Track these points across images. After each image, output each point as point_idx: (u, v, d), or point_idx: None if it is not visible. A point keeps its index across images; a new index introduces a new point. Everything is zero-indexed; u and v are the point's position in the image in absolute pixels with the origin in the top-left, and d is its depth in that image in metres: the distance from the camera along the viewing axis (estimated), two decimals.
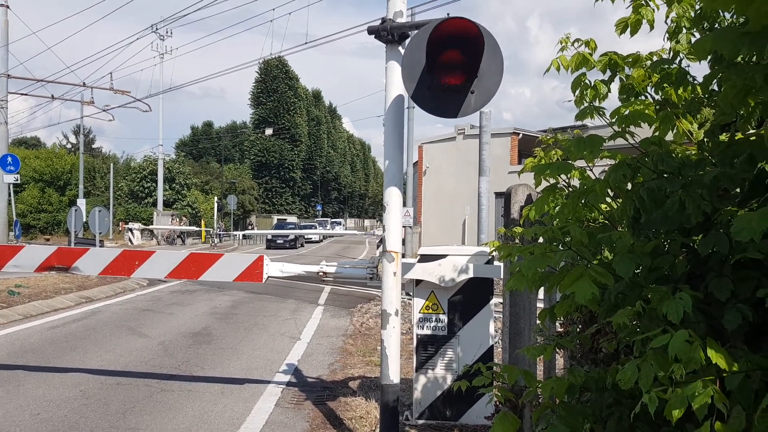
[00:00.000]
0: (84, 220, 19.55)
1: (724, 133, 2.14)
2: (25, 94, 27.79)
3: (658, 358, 1.59)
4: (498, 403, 2.76)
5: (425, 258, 4.73)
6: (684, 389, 1.49)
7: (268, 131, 65.28)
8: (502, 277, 4.27)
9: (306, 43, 33.17)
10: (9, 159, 22.16)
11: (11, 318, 9.62)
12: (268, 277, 5.10)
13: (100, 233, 17.39)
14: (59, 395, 5.59)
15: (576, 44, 2.78)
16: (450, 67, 3.71)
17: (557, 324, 2.99)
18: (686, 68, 2.26)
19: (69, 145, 67.12)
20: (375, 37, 4.23)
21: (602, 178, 2.20)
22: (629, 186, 2.03)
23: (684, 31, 2.43)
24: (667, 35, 2.48)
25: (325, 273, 5.11)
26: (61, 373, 6.36)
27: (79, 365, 6.74)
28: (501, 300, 4.44)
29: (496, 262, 4.60)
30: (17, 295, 11.46)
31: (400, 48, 4.17)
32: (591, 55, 2.69)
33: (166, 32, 39.39)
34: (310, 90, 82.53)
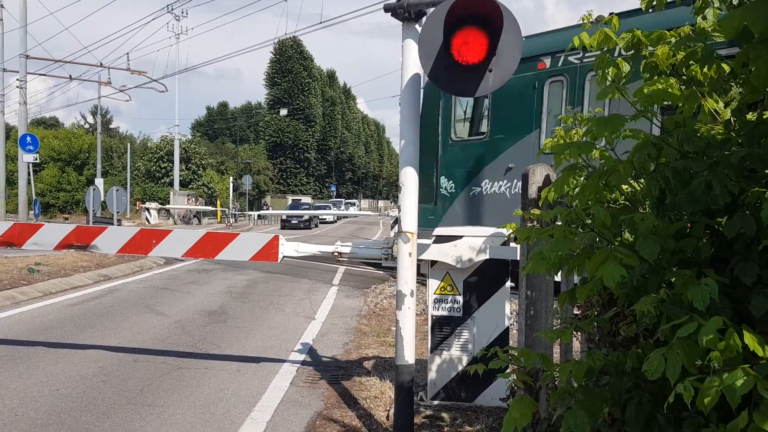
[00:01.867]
0: (102, 199, 19.75)
1: (752, 112, 2.07)
2: (44, 75, 28.07)
3: (685, 347, 1.55)
4: (514, 386, 2.75)
5: (441, 239, 4.70)
6: (723, 377, 1.44)
7: (283, 112, 65.23)
8: (519, 258, 4.24)
9: (321, 22, 33.01)
10: (28, 139, 22.40)
11: (31, 295, 9.77)
12: (284, 256, 5.11)
13: (117, 212, 17.56)
14: (78, 372, 5.67)
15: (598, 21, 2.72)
16: (468, 44, 3.64)
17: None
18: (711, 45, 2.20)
19: (87, 125, 67.64)
20: (391, 15, 4.16)
21: (624, 158, 2.15)
22: (653, 166, 1.98)
23: (711, 6, 2.35)
24: (693, 11, 2.40)
25: (340, 253, 5.10)
26: (79, 350, 6.45)
27: (98, 342, 6.83)
28: (512, 283, 4.42)
29: (512, 243, 4.56)
30: (37, 272, 11.63)
31: (416, 26, 4.11)
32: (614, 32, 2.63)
33: (182, 12, 39.47)
34: (324, 70, 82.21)
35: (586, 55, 9.19)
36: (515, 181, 9.78)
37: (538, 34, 10.95)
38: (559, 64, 9.86)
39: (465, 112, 11.43)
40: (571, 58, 9.60)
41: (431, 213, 10.89)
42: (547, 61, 10.02)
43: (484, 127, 10.95)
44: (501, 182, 10.30)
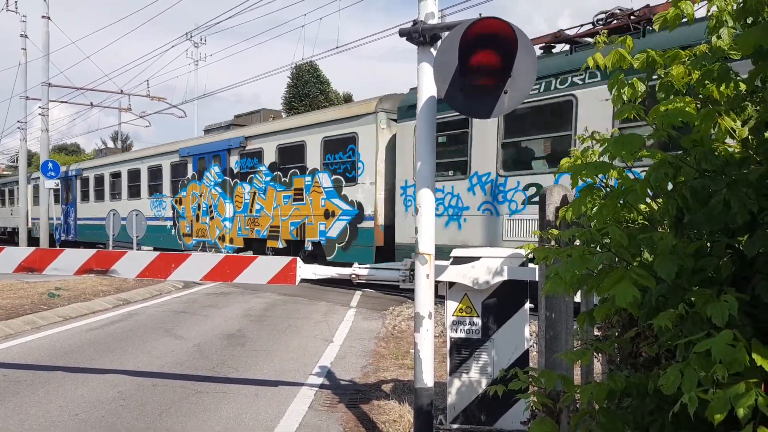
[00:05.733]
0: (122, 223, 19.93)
1: None
2: (66, 102, 28.58)
3: (701, 362, 1.54)
4: (534, 408, 2.71)
5: (458, 260, 4.69)
6: (726, 391, 1.43)
7: None
8: (537, 279, 4.21)
9: (337, 47, 33.41)
10: (50, 165, 22.81)
11: (51, 320, 9.87)
12: (301, 279, 5.12)
13: (137, 236, 17.71)
14: (97, 396, 5.70)
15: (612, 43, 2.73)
16: (482, 67, 3.68)
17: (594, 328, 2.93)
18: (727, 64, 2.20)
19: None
20: (407, 39, 4.21)
21: (641, 177, 2.14)
22: (670, 185, 1.97)
23: (726, 25, 2.36)
24: (707, 30, 2.41)
25: (357, 275, 5.11)
26: (99, 374, 6.49)
27: (117, 366, 6.86)
28: (531, 305, 4.38)
29: (530, 265, 4.53)
30: (57, 297, 11.75)
31: (432, 49, 4.16)
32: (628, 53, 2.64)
33: (201, 40, 40.30)
34: (341, 93, 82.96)
35: None
36: None
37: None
38: None
39: None
40: None
41: None
42: None
43: None
44: None
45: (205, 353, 7.65)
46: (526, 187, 10.19)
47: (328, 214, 14.37)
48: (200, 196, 18.78)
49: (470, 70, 3.67)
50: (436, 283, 4.38)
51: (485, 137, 11.12)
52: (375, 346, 8.21)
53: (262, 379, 6.43)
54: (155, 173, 21.39)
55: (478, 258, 4.65)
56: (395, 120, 13.11)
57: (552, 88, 10.05)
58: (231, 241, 17.56)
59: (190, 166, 19.40)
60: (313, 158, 14.79)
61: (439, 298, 4.64)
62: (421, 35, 4.10)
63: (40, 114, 24.74)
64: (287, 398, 5.72)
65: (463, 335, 4.74)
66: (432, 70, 3.96)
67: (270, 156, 16.14)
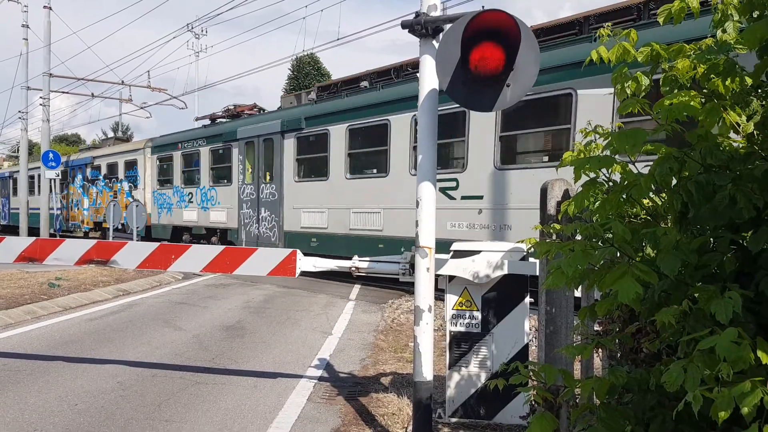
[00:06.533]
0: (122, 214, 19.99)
1: None
2: (66, 93, 28.51)
3: (705, 359, 1.53)
4: (534, 402, 2.71)
5: (459, 254, 4.68)
6: (731, 389, 1.42)
7: None
8: (538, 274, 4.20)
9: (338, 39, 33.30)
10: (50, 155, 22.77)
11: (51, 310, 9.87)
12: (301, 271, 5.11)
13: (137, 227, 17.71)
14: (97, 386, 5.70)
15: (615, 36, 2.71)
16: (485, 59, 3.65)
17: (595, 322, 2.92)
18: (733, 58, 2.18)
19: None
20: (409, 32, 4.19)
21: (645, 172, 2.13)
22: (675, 180, 1.95)
23: (731, 19, 2.33)
24: (712, 23, 2.39)
25: (357, 268, 5.10)
26: (98, 365, 6.49)
27: (117, 357, 6.87)
28: (531, 299, 4.38)
29: (531, 259, 4.52)
30: (57, 287, 11.76)
31: (434, 42, 4.13)
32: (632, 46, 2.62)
33: (202, 31, 40.05)
34: None
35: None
36: None
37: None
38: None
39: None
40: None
41: None
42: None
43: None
44: None
45: (204, 344, 7.65)
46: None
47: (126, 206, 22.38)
48: (73, 194, 27.34)
49: (473, 62, 3.64)
50: (436, 276, 4.37)
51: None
52: (374, 339, 8.21)
53: (261, 371, 6.44)
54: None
55: (478, 252, 4.64)
56: (152, 151, 22.01)
57: None
58: (87, 223, 26.11)
59: (69, 173, 27.94)
60: (120, 172, 23.85)
61: (439, 292, 4.63)
62: (423, 27, 4.08)
63: (41, 104, 24.68)
64: (286, 390, 5.72)
65: (462, 329, 4.73)
66: (434, 62, 3.93)
67: (104, 169, 24.99)
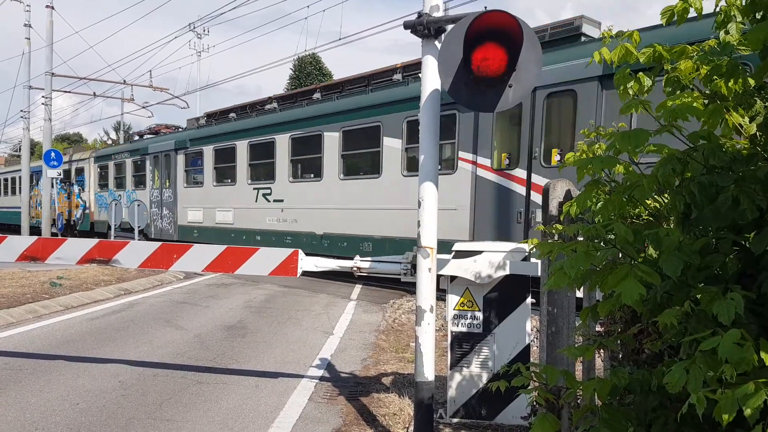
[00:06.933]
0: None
1: None
2: (68, 92, 28.52)
3: (707, 360, 1.52)
4: (536, 403, 2.71)
5: (460, 254, 4.68)
6: (735, 390, 1.42)
7: None
8: (540, 274, 4.20)
9: (340, 39, 33.27)
10: (52, 154, 22.79)
11: (53, 309, 9.88)
12: (303, 271, 5.11)
13: (138, 227, 17.73)
14: (98, 386, 5.71)
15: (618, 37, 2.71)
16: (487, 60, 3.65)
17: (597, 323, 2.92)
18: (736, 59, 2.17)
19: (110, 141, 68.68)
20: (411, 32, 4.19)
21: (647, 173, 2.12)
22: (677, 181, 1.95)
23: (734, 20, 2.33)
24: (715, 25, 2.38)
25: (359, 268, 5.10)
26: (100, 364, 6.50)
27: (118, 356, 6.87)
28: (533, 300, 4.37)
29: (532, 259, 4.52)
30: (59, 286, 11.77)
31: (436, 42, 4.13)
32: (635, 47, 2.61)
33: (204, 31, 40.02)
34: None
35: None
36: None
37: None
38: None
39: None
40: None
41: None
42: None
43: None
44: None
45: (205, 344, 7.65)
46: None
47: (78, 206, 27.41)
48: (36, 195, 29.80)
49: (475, 63, 3.63)
50: (437, 276, 4.37)
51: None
52: (375, 339, 8.22)
53: (263, 371, 6.44)
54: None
55: (480, 252, 4.64)
56: (95, 161, 26.59)
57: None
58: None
59: (33, 177, 30.18)
60: (73, 177, 28.01)
61: (440, 292, 4.63)
62: (425, 28, 4.08)
63: (43, 103, 24.68)
64: (288, 390, 5.72)
65: (464, 329, 4.73)
66: (436, 63, 3.93)
67: (62, 174, 26.41)
